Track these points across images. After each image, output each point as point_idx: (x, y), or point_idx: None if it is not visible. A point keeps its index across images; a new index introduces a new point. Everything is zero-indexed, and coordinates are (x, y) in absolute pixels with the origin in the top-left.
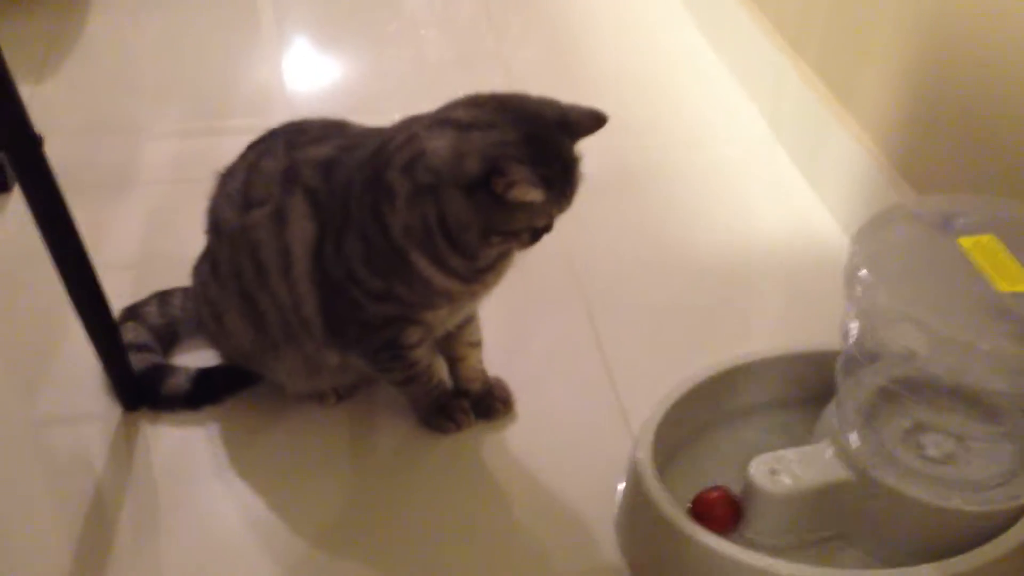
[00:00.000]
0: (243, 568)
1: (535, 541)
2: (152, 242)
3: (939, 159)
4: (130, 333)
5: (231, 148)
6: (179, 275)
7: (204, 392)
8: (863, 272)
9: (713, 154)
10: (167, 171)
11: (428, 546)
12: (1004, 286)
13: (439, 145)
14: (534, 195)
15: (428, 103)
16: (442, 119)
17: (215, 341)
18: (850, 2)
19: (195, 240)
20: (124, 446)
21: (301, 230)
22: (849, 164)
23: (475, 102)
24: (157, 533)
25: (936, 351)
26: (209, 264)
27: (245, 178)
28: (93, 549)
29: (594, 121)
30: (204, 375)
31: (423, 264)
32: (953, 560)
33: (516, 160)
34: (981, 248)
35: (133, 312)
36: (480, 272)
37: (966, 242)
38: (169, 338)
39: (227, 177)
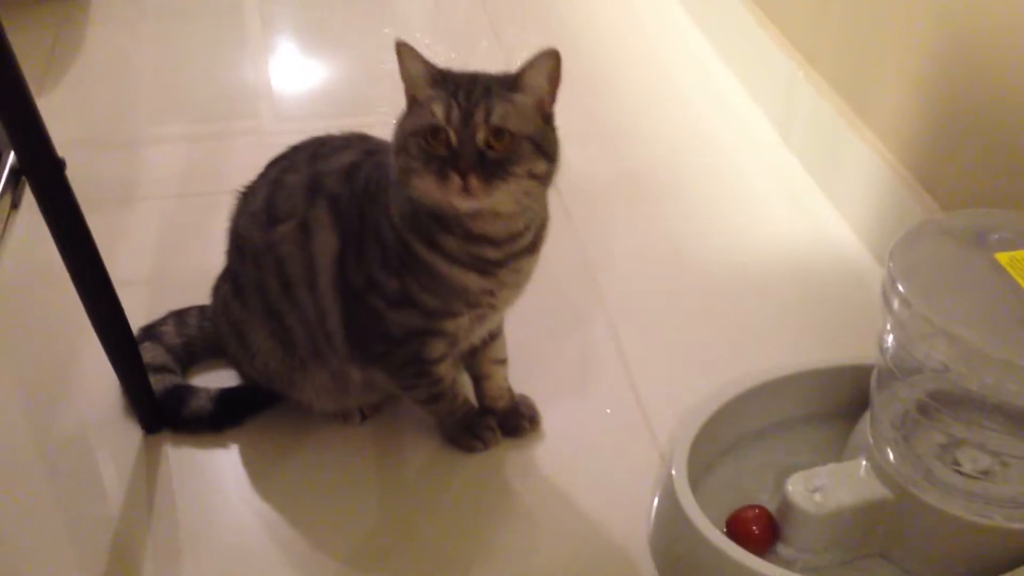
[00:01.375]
0: None
1: (568, 558)
2: (162, 259)
3: (962, 172)
4: (148, 354)
5: (231, 159)
6: (192, 292)
7: (227, 413)
8: (898, 285)
9: (726, 163)
10: (171, 185)
11: (458, 565)
12: None
13: None
14: (412, 60)
15: None
16: None
17: (238, 362)
18: (864, 12)
19: (205, 256)
20: (145, 469)
21: (324, 241)
22: (867, 176)
23: None
24: (181, 557)
25: (972, 366)
26: (231, 284)
27: (268, 195)
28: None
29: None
30: (226, 396)
31: (423, 251)
32: None
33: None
34: (1018, 264)
35: (149, 332)
36: (489, 264)
37: (1003, 257)
38: (187, 358)
39: (248, 195)
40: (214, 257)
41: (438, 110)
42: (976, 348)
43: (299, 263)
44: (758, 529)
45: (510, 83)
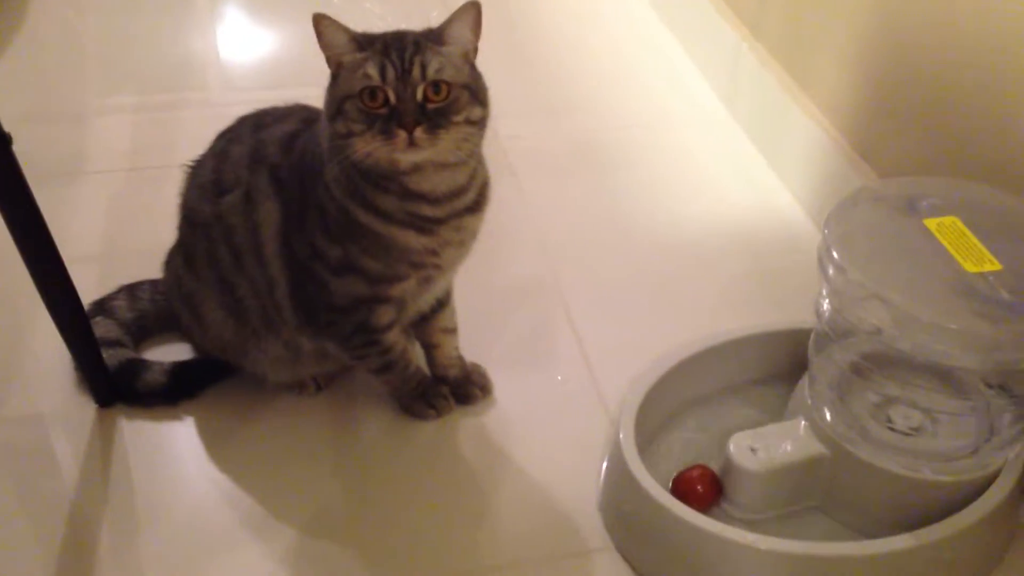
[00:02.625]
0: (229, 560)
1: (521, 523)
2: (112, 233)
3: (898, 141)
4: (100, 328)
5: (179, 130)
6: (143, 266)
7: (181, 386)
8: (833, 253)
9: (674, 135)
10: (119, 159)
11: (413, 531)
12: (971, 267)
13: None
14: (333, 30)
15: None
16: None
17: (192, 334)
18: None
19: (156, 230)
20: (100, 443)
21: (267, 211)
22: (808, 145)
23: None
24: (138, 529)
25: (903, 328)
26: (183, 257)
27: (215, 166)
28: (74, 551)
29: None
30: (180, 368)
31: (360, 214)
32: (927, 529)
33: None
34: (945, 229)
35: (101, 307)
36: (428, 221)
37: (931, 223)
38: (139, 332)
39: (197, 169)
40: (165, 231)
41: (373, 71)
42: (906, 311)
43: (245, 233)
44: (702, 488)
45: (436, 37)
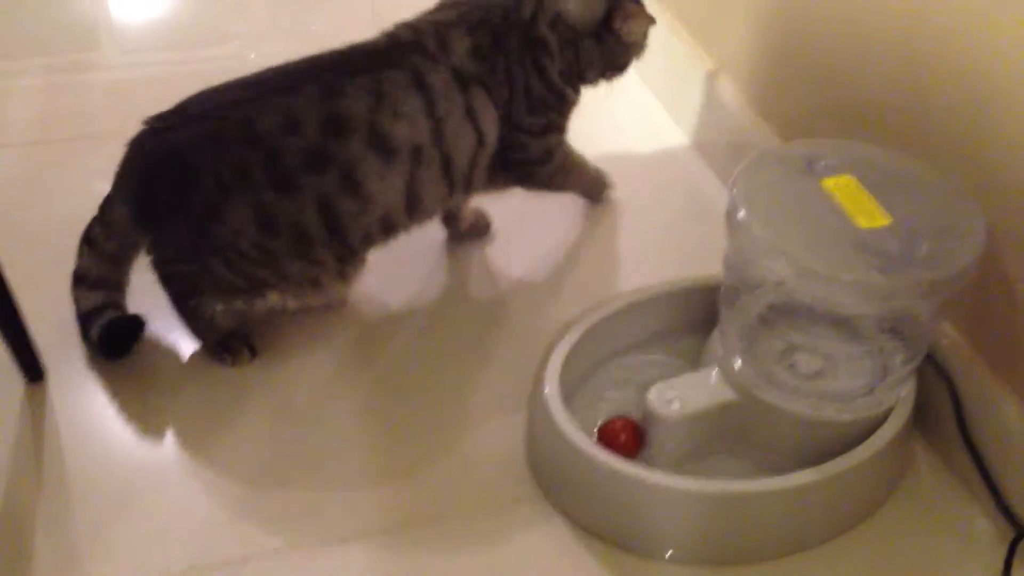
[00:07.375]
0: (166, 529)
1: (453, 478)
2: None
3: (798, 104)
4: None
5: (70, 98)
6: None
7: (113, 343)
8: (740, 211)
9: (588, 98)
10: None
11: (348, 489)
12: (863, 223)
13: (569, 7)
14: (648, 23)
15: (282, 38)
16: None
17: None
18: None
19: (68, 204)
20: (30, 418)
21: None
22: (713, 108)
23: None
24: (74, 503)
25: (803, 280)
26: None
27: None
28: (8, 526)
29: None
30: (111, 324)
31: (570, 94)
32: (830, 463)
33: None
34: (842, 188)
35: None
36: None
37: (828, 183)
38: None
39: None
40: (77, 205)
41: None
42: (806, 265)
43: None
44: (625, 436)
45: None
